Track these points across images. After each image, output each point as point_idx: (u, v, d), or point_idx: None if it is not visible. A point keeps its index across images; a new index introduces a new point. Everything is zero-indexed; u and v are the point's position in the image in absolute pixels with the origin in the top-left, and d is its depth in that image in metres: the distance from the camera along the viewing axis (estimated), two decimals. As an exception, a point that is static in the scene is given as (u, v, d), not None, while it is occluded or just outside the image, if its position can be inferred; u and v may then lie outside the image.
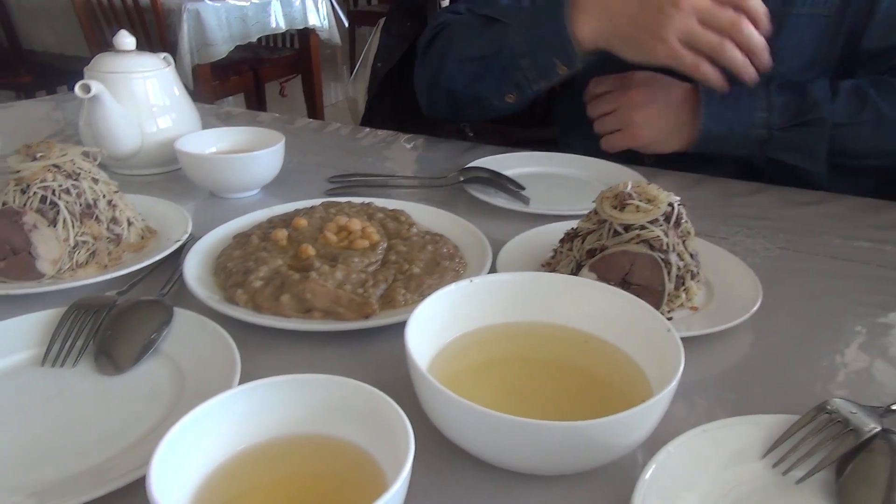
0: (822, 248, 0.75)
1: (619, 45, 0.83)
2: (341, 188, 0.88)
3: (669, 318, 0.59)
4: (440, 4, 1.75)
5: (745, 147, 0.89)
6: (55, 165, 0.66)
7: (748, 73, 0.80)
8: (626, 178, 0.89)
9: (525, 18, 0.89)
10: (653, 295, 0.58)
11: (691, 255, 0.62)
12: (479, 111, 1.00)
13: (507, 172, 0.93)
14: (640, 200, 0.60)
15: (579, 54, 0.85)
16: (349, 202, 0.75)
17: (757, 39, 0.78)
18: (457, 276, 0.63)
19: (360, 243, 0.64)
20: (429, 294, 0.50)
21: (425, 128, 1.61)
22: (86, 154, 0.70)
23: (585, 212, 0.65)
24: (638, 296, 0.56)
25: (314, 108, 3.74)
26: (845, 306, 0.64)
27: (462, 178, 0.88)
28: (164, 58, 0.94)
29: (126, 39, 0.89)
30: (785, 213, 0.83)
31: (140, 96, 0.89)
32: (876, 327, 0.61)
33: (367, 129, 1.17)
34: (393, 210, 0.74)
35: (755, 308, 0.58)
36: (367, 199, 0.77)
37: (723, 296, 0.62)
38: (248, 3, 3.02)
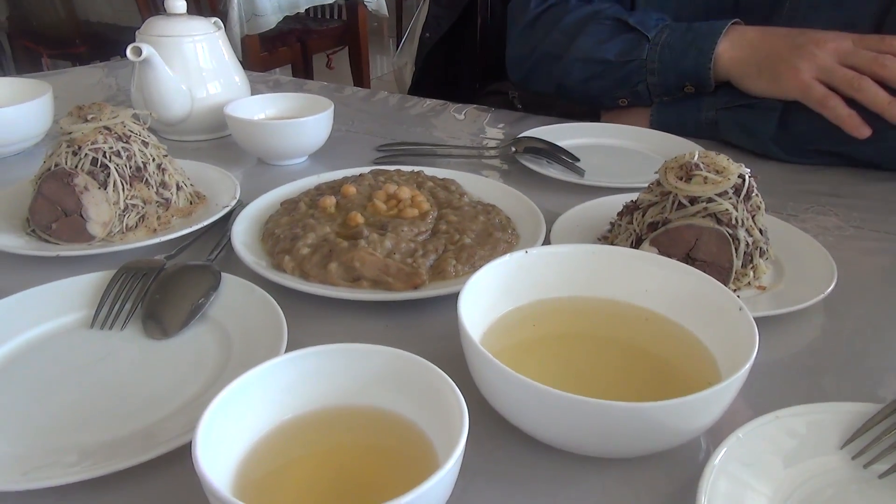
0: (899, 227, 0.70)
1: (751, 74, 0.83)
2: (390, 157, 0.86)
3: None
4: (493, -28, 1.70)
5: (703, 131, 0.90)
6: (106, 128, 0.65)
7: (894, 113, 0.75)
8: (684, 149, 0.85)
9: (670, 40, 0.88)
10: (719, 272, 0.55)
11: (761, 232, 0.58)
12: (580, 101, 1.00)
13: (561, 143, 0.89)
14: (709, 171, 0.57)
15: (712, 80, 0.87)
16: (398, 170, 0.73)
17: None
18: (509, 248, 0.60)
19: (410, 212, 0.62)
20: (480, 265, 0.48)
21: (472, 99, 1.58)
22: (136, 117, 0.70)
23: (643, 185, 0.62)
24: (704, 272, 0.53)
25: (360, 81, 3.72)
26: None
27: (514, 149, 0.85)
28: (214, 22, 0.93)
29: (177, 2, 0.88)
30: (859, 190, 0.78)
31: (190, 60, 0.89)
32: (963, 314, 0.56)
33: (416, 99, 1.14)
34: (443, 179, 0.72)
35: (830, 289, 0.54)
36: (416, 168, 0.75)
37: (793, 275, 0.58)
38: (298, -26, 3.00)
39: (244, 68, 0.97)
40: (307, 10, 3.29)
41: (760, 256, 0.58)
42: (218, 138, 0.94)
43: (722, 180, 0.55)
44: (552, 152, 0.83)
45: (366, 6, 3.47)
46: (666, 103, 0.93)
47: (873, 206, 0.74)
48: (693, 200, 0.56)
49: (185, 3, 0.89)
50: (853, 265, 0.62)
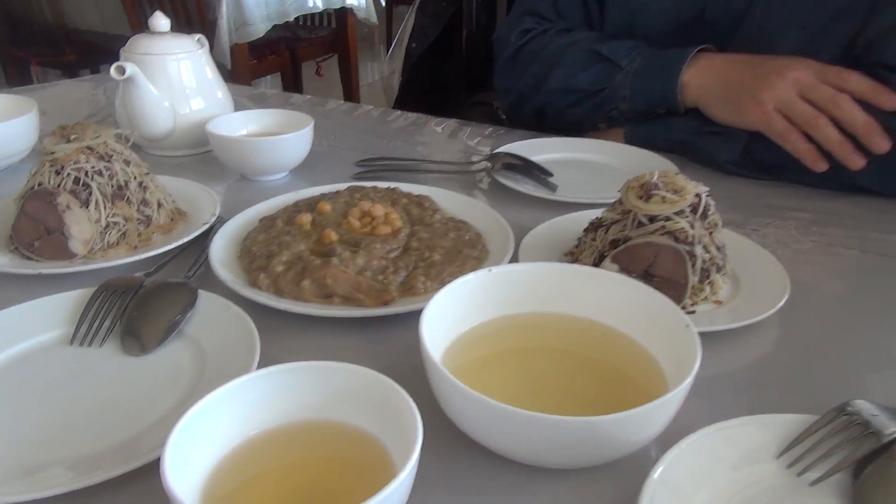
0: (856, 242, 0.73)
1: (716, 103, 0.87)
2: (369, 172, 0.89)
3: (692, 312, 0.58)
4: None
5: (673, 150, 0.92)
6: (88, 147, 0.67)
7: (844, 153, 0.78)
8: (657, 165, 0.88)
9: (639, 68, 0.92)
10: (675, 288, 0.57)
11: (718, 248, 0.61)
12: (562, 126, 1.04)
13: (537, 158, 0.92)
14: (667, 191, 0.59)
15: (681, 106, 0.90)
16: (374, 187, 0.75)
17: (858, 119, 0.76)
18: (478, 264, 0.62)
19: (383, 229, 0.64)
20: (449, 281, 0.50)
21: (459, 108, 1.60)
22: (119, 136, 0.72)
23: (611, 201, 0.64)
24: (661, 288, 0.55)
25: (350, 88, 3.75)
26: (876, 304, 0.62)
27: (490, 164, 0.87)
28: (198, 39, 0.95)
29: (161, 21, 0.90)
30: (821, 205, 0.81)
31: (174, 78, 0.91)
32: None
33: (399, 112, 1.17)
34: (418, 195, 0.74)
35: (780, 304, 0.57)
36: (393, 184, 0.77)
37: (749, 290, 0.61)
38: (287, -17, 3.03)
39: (233, 77, 1.00)
40: (297, 18, 3.32)
41: (717, 272, 0.61)
42: (201, 153, 0.96)
43: (679, 200, 0.58)
44: (526, 168, 0.86)
45: (355, 14, 3.50)
46: (639, 122, 0.96)
47: (831, 220, 0.77)
48: (652, 219, 0.58)
49: (168, 21, 0.91)
50: (807, 279, 0.65)
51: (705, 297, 0.60)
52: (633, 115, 0.95)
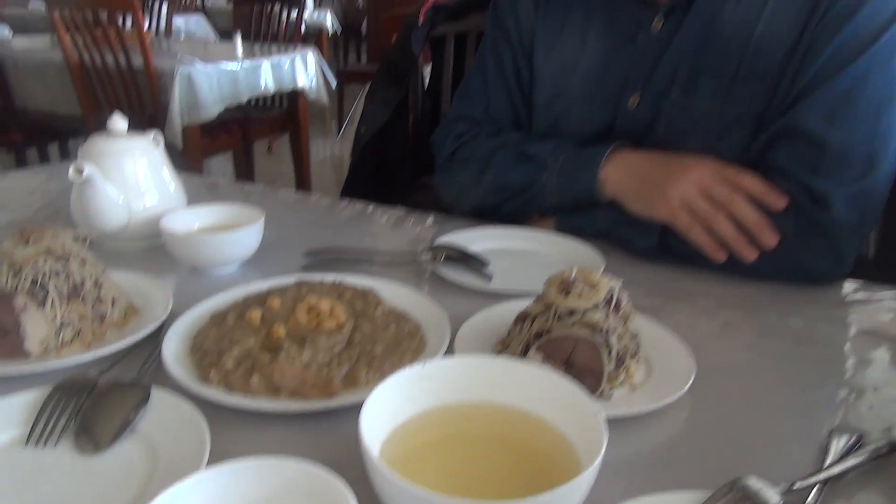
0: (758, 325, 0.81)
1: (631, 198, 0.95)
2: (317, 265, 0.94)
3: (610, 397, 0.65)
4: (423, 74, 1.84)
5: (599, 238, 1.00)
6: (47, 250, 0.71)
7: (739, 247, 0.87)
8: (585, 253, 0.97)
9: (563, 166, 1.02)
10: (593, 376, 0.63)
11: (631, 336, 0.68)
12: (499, 220, 1.11)
13: (476, 247, 0.99)
14: (584, 286, 0.66)
15: (603, 199, 0.99)
16: (321, 282, 0.80)
17: (750, 217, 0.86)
18: (416, 356, 0.68)
19: (328, 324, 0.69)
20: (390, 373, 0.55)
21: (406, 190, 1.68)
22: (76, 237, 0.75)
23: (540, 291, 0.71)
24: (580, 376, 0.62)
25: (301, 166, 3.84)
26: (770, 385, 0.70)
27: (429, 256, 0.94)
28: (153, 139, 1.01)
29: (119, 125, 0.96)
30: (726, 290, 0.89)
31: (129, 176, 0.95)
32: (798, 406, 0.66)
33: (346, 202, 1.23)
34: (362, 289, 0.79)
35: (685, 389, 0.64)
36: (339, 277, 0.83)
37: (661, 374, 0.68)
38: (239, 67, 3.13)
39: (185, 156, 1.05)
40: (248, 99, 3.42)
41: (632, 358, 0.67)
42: (155, 245, 1.00)
43: (594, 294, 0.65)
44: (463, 258, 0.93)
45: (306, 96, 3.62)
46: (567, 213, 1.05)
47: (738, 304, 0.86)
48: (571, 312, 0.65)
49: (125, 124, 0.97)
50: (714, 363, 0.72)
51: (622, 382, 0.66)
52: (561, 208, 1.04)
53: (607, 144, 0.99)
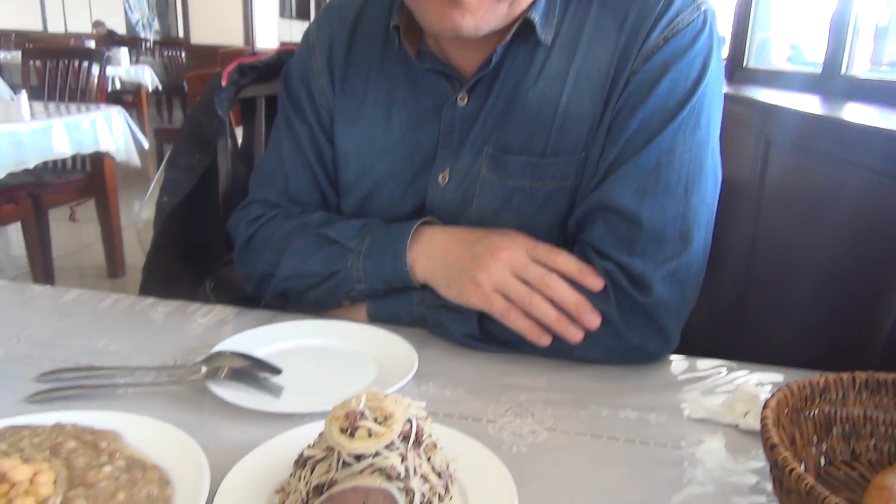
0: (588, 423, 0.72)
1: (441, 284, 0.85)
2: (51, 392, 0.72)
3: (415, 559, 0.50)
4: (230, 138, 1.67)
5: (417, 324, 0.90)
6: None
7: (562, 329, 0.80)
8: (399, 346, 0.83)
9: (368, 248, 0.89)
10: (390, 539, 0.49)
11: (439, 475, 0.54)
12: (307, 306, 0.97)
13: (271, 348, 0.83)
14: (375, 418, 0.52)
15: (415, 282, 0.87)
16: (33, 428, 0.60)
17: (567, 297, 0.79)
18: (153, 536, 0.50)
19: (22, 502, 0.49)
20: None
21: (217, 267, 1.48)
22: None
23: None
24: (375, 540, 0.47)
25: (110, 233, 3.44)
26: (605, 497, 0.60)
27: (204, 369, 0.75)
28: None
29: None
30: (555, 379, 0.80)
31: None
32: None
33: (114, 297, 1.01)
34: (95, 434, 0.60)
35: (506, 539, 0.51)
36: (68, 417, 0.62)
37: (478, 513, 0.55)
38: (26, 129, 2.74)
39: None
40: (44, 163, 3.01)
41: (440, 501, 0.54)
42: None
43: (386, 431, 0.51)
44: (246, 369, 0.76)
45: (113, 157, 3.27)
46: (380, 298, 0.92)
47: (567, 399, 0.76)
48: (359, 457, 0.51)
49: None
50: (540, 480, 0.61)
51: (431, 534, 0.53)
52: (372, 293, 0.91)
53: (413, 221, 0.88)
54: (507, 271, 0.80)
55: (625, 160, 0.81)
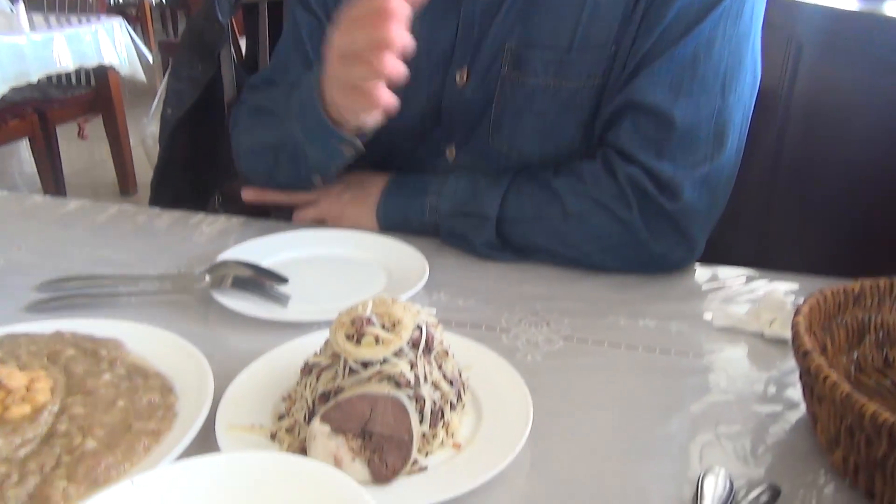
0: (607, 332, 0.69)
1: (346, 114, 0.77)
2: (52, 300, 0.70)
3: (426, 467, 0.49)
4: (233, 48, 1.60)
5: (428, 232, 0.86)
6: None
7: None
8: (410, 256, 0.80)
9: (293, 110, 0.83)
10: (399, 446, 0.47)
11: (451, 382, 0.52)
12: (292, 189, 0.92)
13: (277, 257, 0.81)
14: (382, 326, 0.49)
15: (347, 134, 0.80)
16: (31, 336, 0.58)
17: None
18: (154, 441, 0.48)
19: (17, 411, 0.48)
20: (107, 481, 0.37)
21: (227, 179, 1.45)
22: None
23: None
24: (383, 447, 0.46)
25: (120, 150, 3.39)
26: (625, 413, 0.57)
27: (208, 279, 0.73)
28: None
29: None
30: (573, 290, 0.77)
31: None
32: (655, 438, 0.54)
33: (117, 207, 0.98)
34: (95, 342, 0.58)
35: (519, 447, 0.49)
36: (68, 325, 0.60)
37: (492, 423, 0.53)
38: (26, 41, 2.66)
39: None
40: (49, 78, 2.93)
41: (452, 410, 0.52)
42: None
43: (394, 338, 0.49)
44: (252, 278, 0.73)
45: (118, 71, 3.18)
46: (393, 199, 0.88)
47: (584, 309, 0.73)
48: (366, 364, 0.48)
49: None
50: (557, 390, 0.59)
51: (442, 442, 0.51)
52: (329, 157, 0.83)
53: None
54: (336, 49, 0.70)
55: (659, 53, 0.74)
